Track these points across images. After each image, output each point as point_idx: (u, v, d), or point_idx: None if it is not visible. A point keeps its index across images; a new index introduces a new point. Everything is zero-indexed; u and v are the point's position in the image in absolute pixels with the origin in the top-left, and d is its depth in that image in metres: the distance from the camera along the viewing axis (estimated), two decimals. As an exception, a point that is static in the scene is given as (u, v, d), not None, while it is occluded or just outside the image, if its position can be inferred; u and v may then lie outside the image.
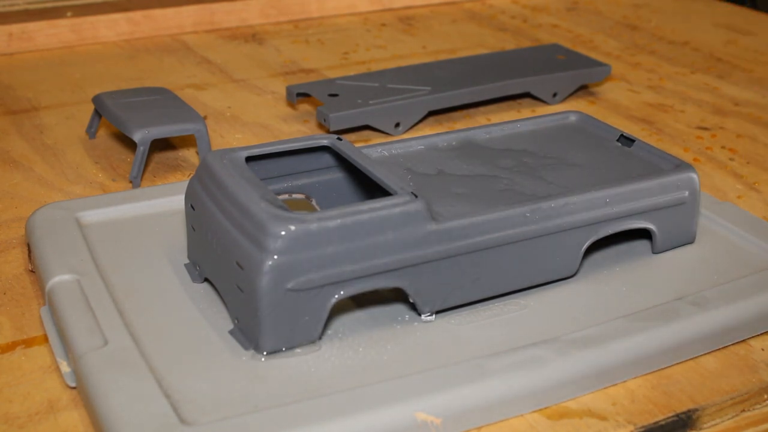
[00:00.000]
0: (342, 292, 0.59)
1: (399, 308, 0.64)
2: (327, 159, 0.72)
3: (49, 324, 0.63)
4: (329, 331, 0.62)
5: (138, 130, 0.83)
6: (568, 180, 0.70)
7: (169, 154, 0.91)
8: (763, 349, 0.63)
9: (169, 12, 1.27)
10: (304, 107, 1.03)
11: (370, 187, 0.71)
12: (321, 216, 0.58)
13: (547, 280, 0.66)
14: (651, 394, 0.59)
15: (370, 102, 0.95)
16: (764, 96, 1.10)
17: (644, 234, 0.71)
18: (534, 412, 0.57)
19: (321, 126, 0.96)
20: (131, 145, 0.91)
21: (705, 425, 0.57)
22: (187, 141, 0.93)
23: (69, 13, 1.23)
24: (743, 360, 0.62)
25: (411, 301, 0.62)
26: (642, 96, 1.09)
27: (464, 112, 1.03)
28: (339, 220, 0.58)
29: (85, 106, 1.01)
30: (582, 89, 1.10)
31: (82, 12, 1.24)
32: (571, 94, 1.07)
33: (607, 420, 0.56)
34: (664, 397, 0.58)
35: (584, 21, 1.39)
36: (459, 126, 0.99)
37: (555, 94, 1.05)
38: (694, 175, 0.70)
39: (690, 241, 0.72)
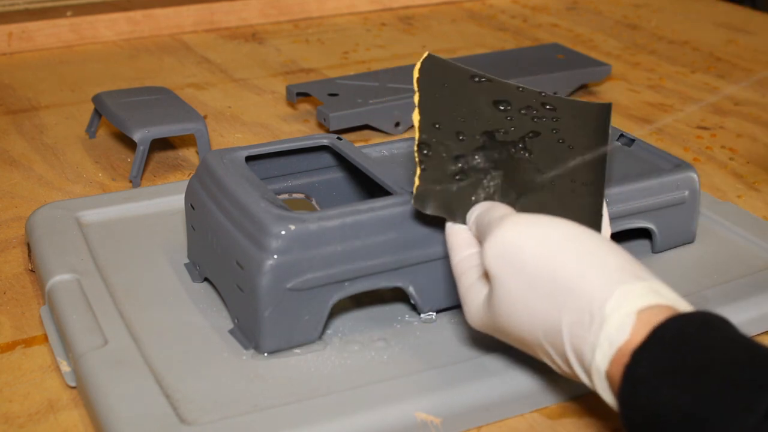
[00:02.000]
0: (342, 292, 0.59)
1: (399, 308, 0.64)
2: (327, 159, 0.72)
3: (49, 324, 0.63)
4: (329, 331, 0.61)
5: (138, 130, 0.83)
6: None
7: (169, 154, 0.91)
8: (763, 349, 0.63)
9: (169, 12, 1.27)
10: (304, 107, 1.03)
11: (370, 187, 0.71)
12: (321, 216, 0.58)
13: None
14: (651, 393, 0.59)
15: (370, 102, 0.95)
16: (764, 96, 1.10)
17: (644, 233, 0.71)
18: (534, 412, 0.57)
19: (321, 125, 0.96)
20: (131, 144, 0.91)
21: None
22: (187, 141, 0.93)
23: (69, 13, 1.23)
24: (743, 360, 0.62)
25: (411, 301, 0.62)
26: (642, 95, 1.09)
27: (464, 111, 1.03)
28: (339, 220, 0.58)
29: (85, 105, 1.01)
30: (582, 89, 1.10)
31: (82, 12, 1.24)
32: (571, 94, 1.07)
33: (607, 420, 0.56)
34: (664, 396, 0.58)
35: (584, 21, 1.39)
36: (459, 126, 0.99)
37: (555, 94, 1.05)
38: (694, 175, 0.70)
39: (690, 241, 0.72)
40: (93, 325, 0.60)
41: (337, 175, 0.73)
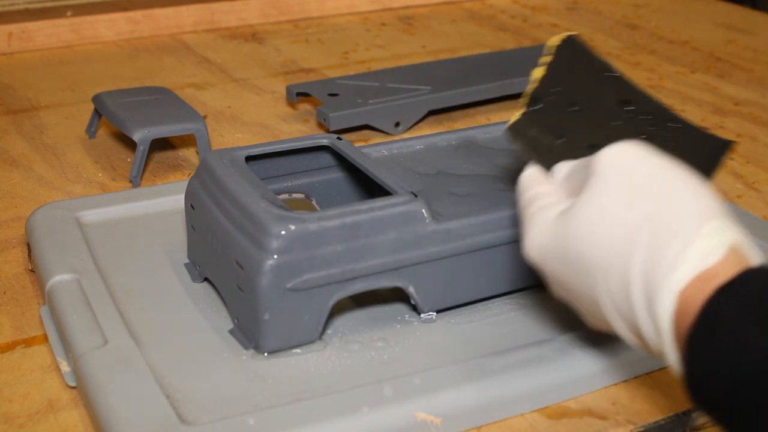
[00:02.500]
0: (342, 292, 0.59)
1: (399, 308, 0.64)
2: (327, 159, 0.72)
3: (49, 324, 0.63)
4: (329, 331, 0.62)
5: (138, 130, 0.83)
6: (568, 180, 0.70)
7: (169, 154, 0.91)
8: (763, 349, 0.63)
9: (169, 11, 1.27)
10: (304, 107, 1.03)
11: (370, 187, 0.71)
12: (321, 216, 0.58)
13: (547, 280, 0.66)
14: (651, 393, 0.59)
15: (370, 102, 0.95)
16: (764, 95, 1.10)
17: (644, 234, 0.71)
18: (534, 411, 0.57)
19: (321, 125, 0.96)
20: (131, 144, 0.91)
21: (704, 425, 0.57)
22: (187, 141, 0.93)
23: (69, 13, 1.23)
24: (743, 360, 0.62)
25: (411, 301, 0.62)
26: (642, 96, 1.09)
27: (464, 112, 1.03)
28: (339, 220, 0.58)
29: (85, 105, 1.01)
30: (582, 89, 1.10)
31: (82, 12, 1.24)
32: (571, 94, 1.07)
33: (607, 419, 0.56)
34: (664, 396, 0.58)
35: (584, 21, 1.39)
36: (459, 126, 0.99)
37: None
38: (694, 175, 0.70)
39: (690, 241, 0.72)
40: (93, 325, 0.60)
41: (337, 175, 0.73)
